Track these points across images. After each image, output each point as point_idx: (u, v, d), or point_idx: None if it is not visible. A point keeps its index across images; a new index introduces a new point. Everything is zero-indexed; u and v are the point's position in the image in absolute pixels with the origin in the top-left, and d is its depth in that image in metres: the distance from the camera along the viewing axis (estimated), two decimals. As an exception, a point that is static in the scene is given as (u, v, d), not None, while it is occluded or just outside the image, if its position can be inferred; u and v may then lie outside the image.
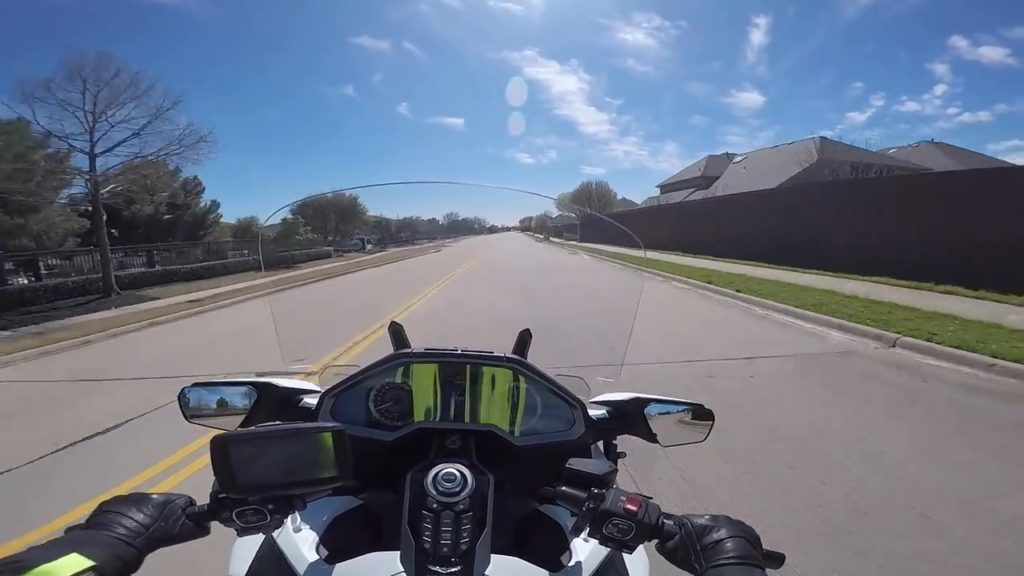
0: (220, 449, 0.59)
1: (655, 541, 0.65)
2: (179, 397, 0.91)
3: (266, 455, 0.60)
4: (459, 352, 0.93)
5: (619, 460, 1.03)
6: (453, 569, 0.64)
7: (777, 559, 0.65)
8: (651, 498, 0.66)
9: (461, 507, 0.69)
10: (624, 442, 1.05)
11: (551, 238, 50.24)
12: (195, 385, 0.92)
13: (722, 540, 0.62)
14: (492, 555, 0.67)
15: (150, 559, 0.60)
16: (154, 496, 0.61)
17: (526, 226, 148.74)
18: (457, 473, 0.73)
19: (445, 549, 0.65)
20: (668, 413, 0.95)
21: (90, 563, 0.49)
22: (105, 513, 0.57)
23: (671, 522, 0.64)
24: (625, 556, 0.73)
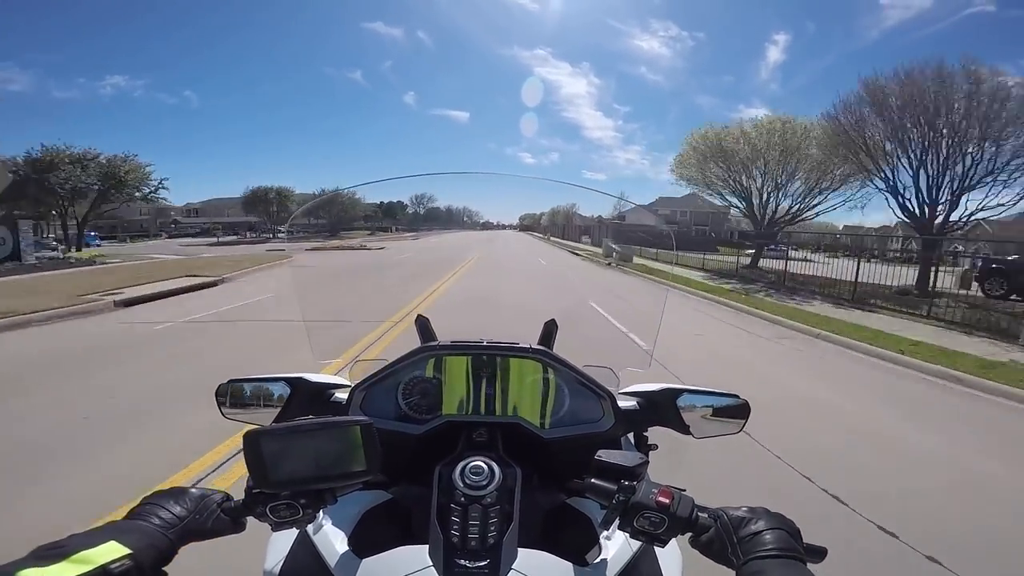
0: (252, 444, 0.65)
1: (689, 534, 0.70)
2: (216, 393, 1.02)
3: (296, 450, 0.66)
4: (485, 344, 1.00)
5: (650, 452, 1.07)
6: (481, 563, 0.71)
7: (819, 553, 0.67)
8: (684, 490, 0.71)
9: (488, 500, 0.76)
10: (655, 434, 1.07)
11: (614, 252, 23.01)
12: (231, 381, 1.03)
13: (760, 532, 0.63)
14: (520, 549, 0.75)
15: (198, 554, 0.70)
16: (192, 491, 0.70)
17: (527, 224, 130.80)
18: (484, 466, 0.79)
19: (473, 542, 0.72)
20: (701, 405, 1.00)
21: (127, 551, 0.56)
22: (145, 505, 0.66)
23: (705, 515, 0.70)
24: (657, 550, 0.79)
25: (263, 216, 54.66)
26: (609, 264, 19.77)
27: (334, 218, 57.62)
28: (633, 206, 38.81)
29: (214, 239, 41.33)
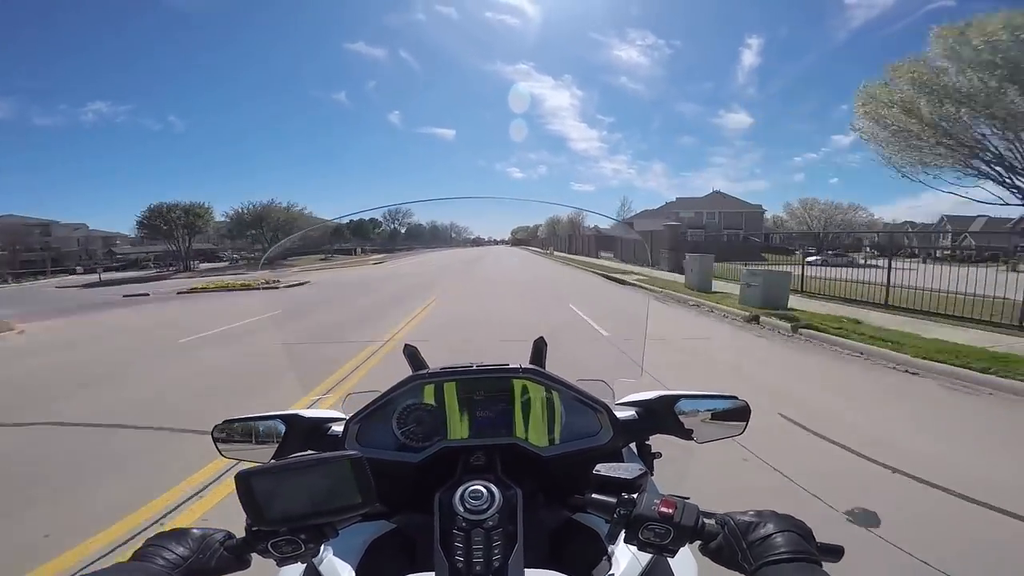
0: (245, 484, 0.68)
1: (698, 543, 0.71)
2: (212, 433, 1.04)
3: (289, 487, 0.69)
4: (474, 367, 1.02)
5: (655, 460, 1.09)
6: None
7: (835, 552, 0.65)
8: (688, 498, 0.71)
9: (490, 523, 0.77)
10: (657, 441, 1.08)
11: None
12: (227, 421, 1.04)
13: (770, 536, 0.63)
14: (526, 569, 0.76)
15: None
16: (194, 531, 0.73)
17: (520, 238, 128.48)
18: (483, 490, 0.80)
19: (478, 567, 0.74)
20: (701, 409, 0.99)
21: None
22: (148, 548, 0.69)
23: (712, 521, 0.70)
24: (670, 560, 0.79)
25: (167, 242, 45.89)
26: (755, 318, 8.99)
27: (266, 240, 46.49)
28: (616, 222, 31.13)
29: (96, 277, 30.94)
